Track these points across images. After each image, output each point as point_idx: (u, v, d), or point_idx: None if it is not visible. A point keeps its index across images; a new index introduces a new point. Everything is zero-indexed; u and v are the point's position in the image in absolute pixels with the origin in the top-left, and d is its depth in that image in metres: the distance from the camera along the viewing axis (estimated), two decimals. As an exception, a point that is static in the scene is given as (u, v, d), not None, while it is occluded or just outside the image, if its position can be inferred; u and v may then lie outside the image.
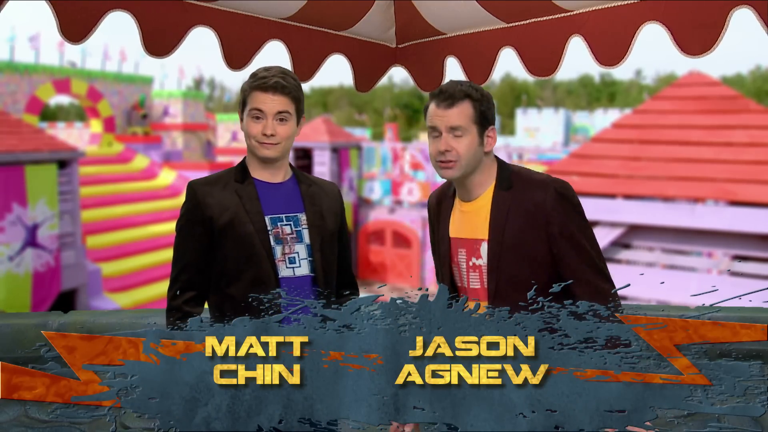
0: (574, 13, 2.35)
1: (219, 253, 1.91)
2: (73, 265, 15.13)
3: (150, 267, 17.39)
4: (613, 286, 1.85)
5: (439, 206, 2.00)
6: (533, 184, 1.84)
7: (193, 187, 1.94)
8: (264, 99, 1.86)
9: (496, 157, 1.92)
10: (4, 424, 2.65)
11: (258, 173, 1.95)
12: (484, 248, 1.85)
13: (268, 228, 1.90)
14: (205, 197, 1.91)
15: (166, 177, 22.09)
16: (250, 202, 1.90)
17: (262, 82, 1.87)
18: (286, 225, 1.92)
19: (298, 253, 1.92)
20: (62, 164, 14.96)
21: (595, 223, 16.34)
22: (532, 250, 1.80)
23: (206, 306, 2.02)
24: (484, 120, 1.84)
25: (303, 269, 1.93)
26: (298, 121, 1.94)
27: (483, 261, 1.85)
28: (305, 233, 1.93)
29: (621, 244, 16.56)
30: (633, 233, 16.38)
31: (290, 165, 2.02)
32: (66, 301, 14.79)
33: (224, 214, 1.89)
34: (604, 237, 16.33)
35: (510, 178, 1.87)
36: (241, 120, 1.94)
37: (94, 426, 2.74)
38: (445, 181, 1.99)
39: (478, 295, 1.87)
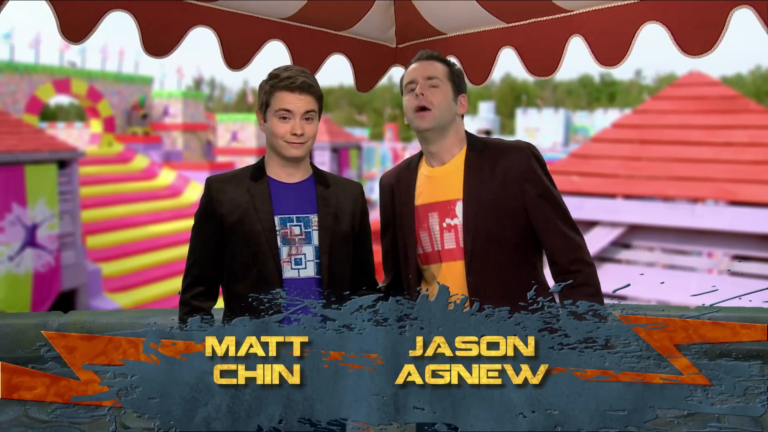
0: (574, 13, 2.35)
1: (228, 250, 1.92)
2: (73, 265, 15.13)
3: (150, 267, 17.39)
4: (583, 239, 1.91)
5: (399, 183, 2.02)
6: (506, 147, 1.93)
7: (209, 183, 1.96)
8: (291, 99, 1.86)
9: (466, 131, 1.99)
10: (4, 424, 2.65)
11: (275, 172, 1.94)
12: (459, 207, 1.88)
13: (277, 228, 1.89)
14: (218, 194, 1.92)
15: (166, 177, 22.08)
16: (261, 200, 1.90)
17: (289, 82, 1.86)
18: (296, 226, 1.91)
19: (305, 254, 1.91)
20: (62, 164, 14.95)
21: (595, 223, 16.34)
22: (507, 208, 1.86)
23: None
24: (457, 82, 1.94)
25: (309, 271, 1.91)
26: (319, 119, 1.95)
27: (458, 220, 1.88)
28: (315, 235, 1.92)
29: (621, 244, 16.56)
30: (633, 233, 16.37)
31: (312, 165, 2.01)
32: (66, 301, 14.78)
33: (234, 211, 1.89)
34: (604, 237, 16.33)
35: (481, 143, 1.95)
36: (263, 120, 1.93)
37: (94, 426, 2.74)
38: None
39: (453, 255, 1.90)
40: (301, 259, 1.90)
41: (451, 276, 1.89)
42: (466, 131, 1.97)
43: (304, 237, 1.91)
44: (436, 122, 1.88)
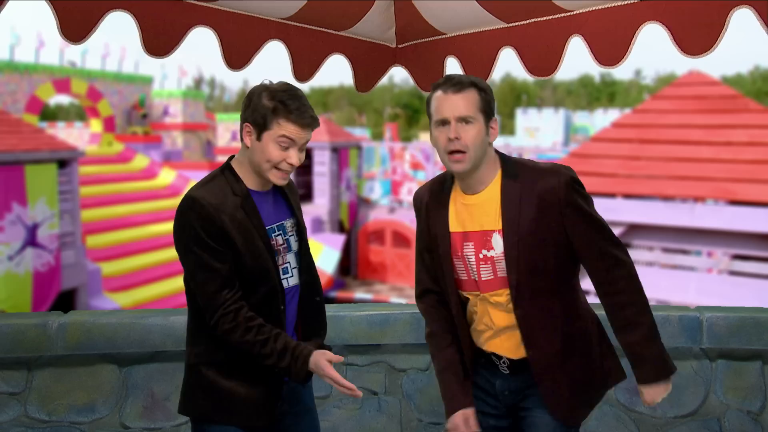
0: (574, 13, 2.35)
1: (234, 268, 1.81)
2: (73, 264, 15.13)
3: (150, 266, 17.39)
4: (630, 258, 1.87)
5: (431, 203, 1.97)
6: (542, 171, 1.85)
7: (202, 204, 1.80)
8: (298, 132, 1.80)
9: (495, 150, 1.92)
10: (4, 424, 2.65)
11: (250, 183, 1.88)
12: (496, 239, 1.84)
13: (270, 241, 1.86)
14: (220, 214, 1.79)
15: (166, 177, 22.10)
16: (255, 215, 1.84)
17: (299, 114, 1.78)
18: (278, 235, 1.88)
19: (289, 262, 1.89)
20: (62, 164, 14.96)
21: (595, 223, 16.31)
22: (548, 234, 1.81)
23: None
24: (488, 110, 1.85)
25: (294, 278, 1.90)
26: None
27: (495, 252, 1.84)
28: (292, 240, 1.91)
29: (621, 243, 16.56)
30: (633, 232, 16.38)
31: None
32: (66, 301, 14.79)
33: (239, 229, 1.80)
34: (603, 236, 16.31)
35: (515, 167, 1.88)
36: (255, 137, 1.82)
37: (94, 426, 2.74)
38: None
39: (492, 285, 1.86)
40: (287, 268, 1.88)
41: (495, 306, 1.88)
42: (497, 153, 1.90)
43: (285, 245, 1.89)
44: (472, 163, 1.81)
